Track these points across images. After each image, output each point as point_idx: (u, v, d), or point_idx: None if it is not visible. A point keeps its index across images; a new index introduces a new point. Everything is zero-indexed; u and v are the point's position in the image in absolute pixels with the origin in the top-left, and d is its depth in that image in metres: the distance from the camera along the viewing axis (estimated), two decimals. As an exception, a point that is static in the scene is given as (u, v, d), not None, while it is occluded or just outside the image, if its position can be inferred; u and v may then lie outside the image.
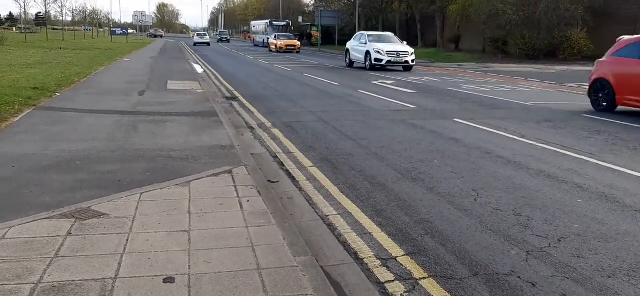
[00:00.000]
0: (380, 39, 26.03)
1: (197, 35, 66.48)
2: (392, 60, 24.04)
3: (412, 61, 24.48)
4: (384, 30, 56.74)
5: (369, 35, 26.04)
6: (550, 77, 22.23)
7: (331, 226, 4.67)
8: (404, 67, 24.61)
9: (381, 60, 23.92)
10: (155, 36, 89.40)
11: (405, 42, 26.82)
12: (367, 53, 24.73)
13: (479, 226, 4.69)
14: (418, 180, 6.11)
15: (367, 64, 24.62)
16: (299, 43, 48.28)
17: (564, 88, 17.97)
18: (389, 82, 18.68)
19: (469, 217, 4.92)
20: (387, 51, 23.99)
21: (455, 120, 10.43)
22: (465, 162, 7.03)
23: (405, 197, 5.48)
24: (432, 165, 6.83)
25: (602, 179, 6.29)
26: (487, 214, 5.01)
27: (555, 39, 33.27)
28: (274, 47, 47.29)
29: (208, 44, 60.29)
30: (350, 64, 27.09)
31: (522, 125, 9.92)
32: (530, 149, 7.89)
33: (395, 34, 54.16)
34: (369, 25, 59.37)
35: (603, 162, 7.15)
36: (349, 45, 27.87)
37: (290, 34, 53.27)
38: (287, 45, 46.31)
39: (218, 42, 76.25)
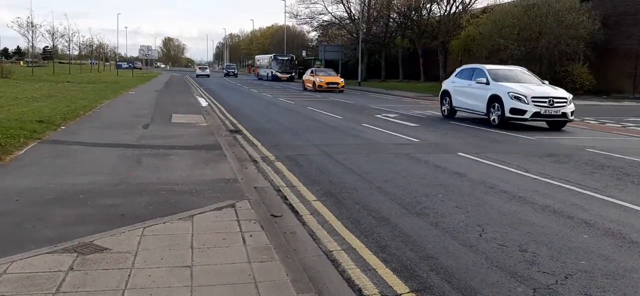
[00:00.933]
0: (507, 76, 16.52)
1: (199, 68, 78.16)
2: (542, 113, 14.66)
3: (572, 113, 15.12)
4: (386, 65, 57.61)
5: (489, 70, 16.60)
6: (553, 111, 22.25)
7: (335, 262, 4.62)
8: (556, 122, 15.21)
9: (523, 112, 14.67)
10: (134, 68, 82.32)
11: (546, 82, 17.27)
12: (494, 98, 15.45)
13: (485, 263, 4.64)
14: (422, 215, 6.07)
15: (494, 116, 15.42)
16: (342, 80, 37.02)
17: (567, 122, 17.97)
18: (392, 115, 18.75)
19: (474, 253, 4.87)
20: (533, 97, 14.70)
21: (459, 154, 10.41)
22: (470, 196, 7.00)
23: (410, 232, 5.44)
24: (436, 199, 6.80)
25: (607, 215, 6.24)
26: (492, 250, 4.96)
27: (557, 73, 33.47)
28: (310, 85, 37.12)
29: (208, 75, 71.04)
30: (451, 113, 18.06)
31: (525, 160, 9.89)
32: (535, 184, 7.85)
33: (398, 69, 55.14)
34: (372, 59, 60.05)
35: (608, 197, 7.10)
36: (448, 85, 18.45)
37: (330, 70, 41.92)
38: (328, 83, 35.71)
39: (225, 76, 74.90)
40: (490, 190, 7.39)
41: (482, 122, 16.40)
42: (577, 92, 32.82)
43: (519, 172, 8.73)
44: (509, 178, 8.24)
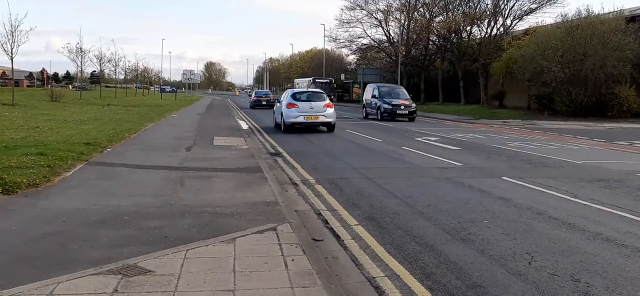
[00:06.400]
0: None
1: (169, 87, 78.29)
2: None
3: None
4: (426, 87, 56.99)
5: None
6: (600, 135, 21.54)
7: (378, 289, 4.51)
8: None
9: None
10: (176, 92, 72.15)
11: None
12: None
13: (536, 293, 4.44)
14: (468, 241, 5.89)
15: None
16: None
17: (614, 146, 17.33)
18: (433, 138, 18.50)
19: (523, 282, 4.68)
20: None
21: (504, 178, 10.14)
22: (517, 222, 6.77)
23: (456, 259, 5.28)
24: (482, 225, 6.60)
25: (665, 243, 5.92)
26: (543, 279, 4.75)
27: (602, 95, 32.44)
28: None
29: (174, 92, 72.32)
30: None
31: (574, 185, 9.55)
32: (584, 210, 7.55)
33: (438, 91, 54.54)
34: (411, 82, 59.65)
35: (665, 224, 6.75)
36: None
37: None
38: None
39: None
40: (538, 216, 7.14)
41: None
42: (624, 114, 31.75)
43: (567, 197, 8.42)
44: (557, 203, 7.95)
